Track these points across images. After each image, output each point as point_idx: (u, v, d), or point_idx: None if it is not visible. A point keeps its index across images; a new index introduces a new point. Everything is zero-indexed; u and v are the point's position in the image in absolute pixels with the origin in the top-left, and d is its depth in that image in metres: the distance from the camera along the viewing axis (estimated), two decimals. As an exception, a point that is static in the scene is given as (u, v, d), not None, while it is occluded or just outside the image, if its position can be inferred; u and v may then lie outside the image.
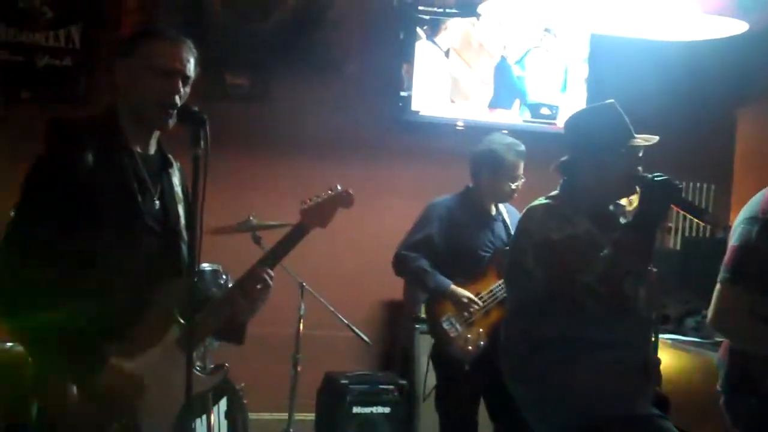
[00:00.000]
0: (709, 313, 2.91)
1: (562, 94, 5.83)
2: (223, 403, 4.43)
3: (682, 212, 3.22)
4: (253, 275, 2.58)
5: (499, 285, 4.03)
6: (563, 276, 2.84)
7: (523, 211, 3.08)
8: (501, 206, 4.27)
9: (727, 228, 3.09)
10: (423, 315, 4.39)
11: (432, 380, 4.25)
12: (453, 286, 4.07)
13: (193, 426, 3.06)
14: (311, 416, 5.15)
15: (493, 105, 5.72)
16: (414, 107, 5.57)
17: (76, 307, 2.30)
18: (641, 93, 5.18)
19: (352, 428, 4.94)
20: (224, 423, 4.43)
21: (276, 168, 5.48)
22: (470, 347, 4.03)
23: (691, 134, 5.86)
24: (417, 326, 5.10)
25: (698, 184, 5.98)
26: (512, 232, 3.75)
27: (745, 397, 2.88)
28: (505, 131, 4.48)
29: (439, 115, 5.62)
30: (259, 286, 2.57)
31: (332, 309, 4.69)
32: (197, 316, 2.43)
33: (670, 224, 5.77)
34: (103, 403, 2.35)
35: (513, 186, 4.13)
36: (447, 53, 5.63)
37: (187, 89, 2.50)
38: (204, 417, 4.19)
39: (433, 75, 5.60)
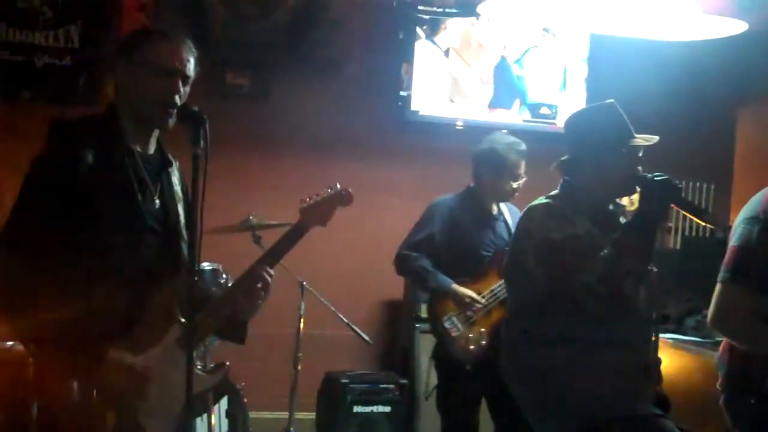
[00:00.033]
0: (710, 313, 2.91)
1: (561, 94, 5.83)
2: (223, 402, 4.43)
3: (682, 212, 3.22)
4: (253, 274, 2.58)
5: (501, 285, 4.02)
6: (563, 276, 2.85)
7: (523, 210, 3.08)
8: (502, 206, 4.27)
9: (727, 228, 3.09)
10: (423, 314, 4.39)
11: (434, 380, 4.25)
12: (455, 286, 4.07)
13: (193, 425, 3.07)
14: (312, 415, 5.16)
15: (494, 105, 5.72)
16: (413, 107, 5.57)
17: (76, 307, 2.30)
18: (641, 93, 5.18)
19: (352, 427, 4.95)
20: (225, 422, 4.43)
21: (276, 167, 5.48)
22: (472, 347, 4.03)
23: (691, 134, 5.86)
24: (417, 325, 5.10)
25: (698, 184, 5.97)
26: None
27: (745, 397, 2.87)
28: (505, 131, 4.48)
29: (439, 114, 5.62)
30: (259, 285, 2.57)
31: (333, 308, 4.70)
32: (197, 316, 2.43)
33: (670, 224, 5.76)
34: (104, 403, 2.35)
35: (514, 185, 4.13)
36: (446, 53, 5.63)
37: (187, 89, 2.50)
38: (204, 416, 4.19)
39: (432, 75, 5.60)
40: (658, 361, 3.06)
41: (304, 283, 4.67)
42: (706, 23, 4.16)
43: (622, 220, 3.10)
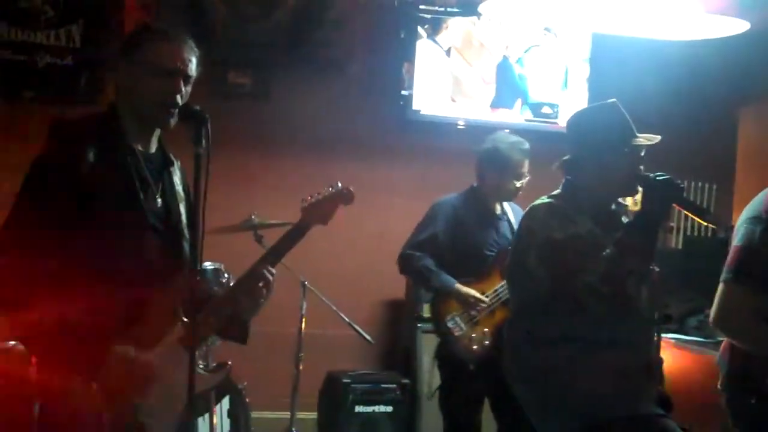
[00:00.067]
0: (712, 312, 2.90)
1: (563, 93, 5.83)
2: (225, 402, 4.44)
3: (684, 212, 3.21)
4: (255, 273, 2.58)
5: (504, 285, 4.02)
6: (565, 275, 2.84)
7: (526, 210, 3.08)
8: (506, 205, 4.26)
9: (729, 228, 3.09)
10: (425, 314, 4.38)
11: (436, 380, 4.25)
12: (458, 285, 4.07)
13: (195, 425, 3.07)
14: (313, 415, 5.16)
15: (496, 104, 5.72)
16: (415, 106, 5.57)
17: (77, 306, 2.29)
18: (643, 92, 5.18)
19: (354, 427, 4.95)
20: (227, 422, 4.43)
21: (278, 167, 5.48)
22: (475, 346, 4.03)
23: (693, 134, 5.85)
24: (419, 325, 5.09)
25: (700, 184, 5.97)
26: (517, 232, 3.75)
27: (746, 397, 2.87)
28: (508, 130, 4.48)
29: (441, 114, 5.62)
30: (260, 285, 2.58)
31: (334, 308, 4.69)
32: (199, 315, 2.43)
33: (672, 224, 5.76)
34: (106, 402, 2.35)
35: (518, 184, 4.13)
36: (448, 52, 5.63)
37: (189, 88, 2.50)
38: (206, 416, 4.19)
39: (434, 74, 5.60)
40: (661, 361, 3.06)
41: (306, 282, 4.67)
42: (708, 23, 4.15)
43: (625, 219, 3.10)
